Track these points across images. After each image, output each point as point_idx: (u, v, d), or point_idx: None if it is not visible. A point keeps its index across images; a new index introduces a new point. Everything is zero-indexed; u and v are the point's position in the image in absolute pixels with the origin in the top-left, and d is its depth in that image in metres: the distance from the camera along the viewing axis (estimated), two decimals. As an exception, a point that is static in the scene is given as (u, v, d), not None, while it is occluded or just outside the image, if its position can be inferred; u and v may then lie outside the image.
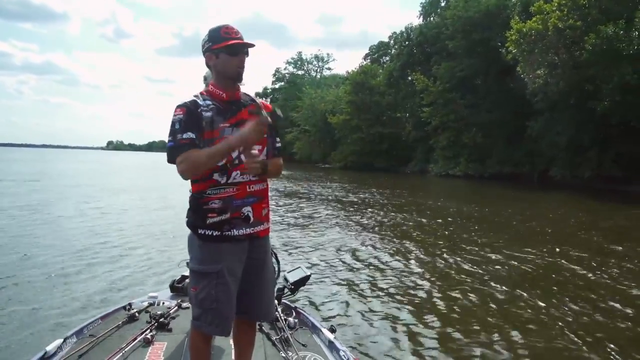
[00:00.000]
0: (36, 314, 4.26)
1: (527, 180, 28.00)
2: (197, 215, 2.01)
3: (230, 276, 2.01)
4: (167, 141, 1.94)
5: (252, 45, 2.04)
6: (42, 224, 9.09)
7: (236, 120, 2.01)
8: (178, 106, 1.96)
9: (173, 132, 1.92)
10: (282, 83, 79.57)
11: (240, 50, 2.01)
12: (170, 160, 1.92)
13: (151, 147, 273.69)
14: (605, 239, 8.94)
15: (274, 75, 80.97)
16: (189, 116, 1.92)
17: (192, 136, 1.89)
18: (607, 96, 19.71)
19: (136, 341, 2.83)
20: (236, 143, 1.90)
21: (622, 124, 20.56)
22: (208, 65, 2.06)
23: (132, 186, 20.25)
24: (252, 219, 2.05)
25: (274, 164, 2.12)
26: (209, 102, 1.99)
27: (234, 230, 2.00)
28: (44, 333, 3.76)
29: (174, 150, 1.89)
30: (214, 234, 1.98)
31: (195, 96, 2.01)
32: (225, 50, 1.98)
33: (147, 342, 2.85)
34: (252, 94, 2.24)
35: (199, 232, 2.00)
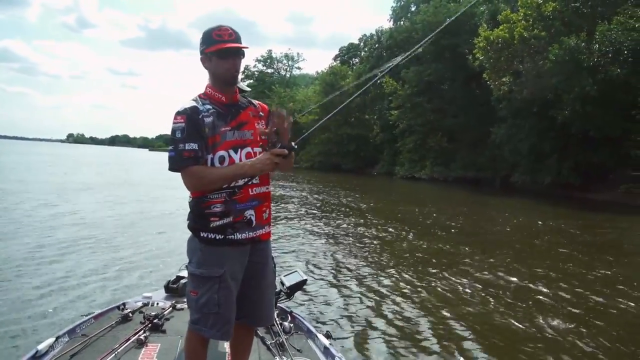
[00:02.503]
0: (28, 313, 4.15)
1: (489, 184, 28.63)
2: (199, 219, 1.97)
3: (232, 280, 1.98)
4: (168, 149, 1.91)
5: (245, 48, 1.99)
6: (31, 222, 8.71)
7: (237, 123, 1.99)
8: (178, 113, 1.90)
9: (174, 141, 1.88)
10: (251, 81, 78.72)
11: (232, 53, 1.95)
12: (172, 170, 1.91)
13: (114, 141, 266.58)
14: (567, 246, 9.14)
15: (243, 72, 79.99)
16: (190, 125, 1.88)
17: (194, 147, 1.87)
18: (568, 106, 20.32)
19: (129, 342, 2.78)
20: (249, 172, 1.90)
21: (581, 133, 21.25)
22: (205, 67, 2.01)
23: (114, 182, 19.67)
24: (254, 222, 2.01)
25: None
26: (208, 107, 1.95)
27: (237, 234, 1.96)
28: (35, 332, 3.73)
29: (176, 161, 1.88)
30: (217, 238, 1.94)
31: (194, 100, 1.96)
32: (216, 54, 1.94)
33: (141, 343, 2.80)
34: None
35: (202, 235, 1.96)
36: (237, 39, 1.96)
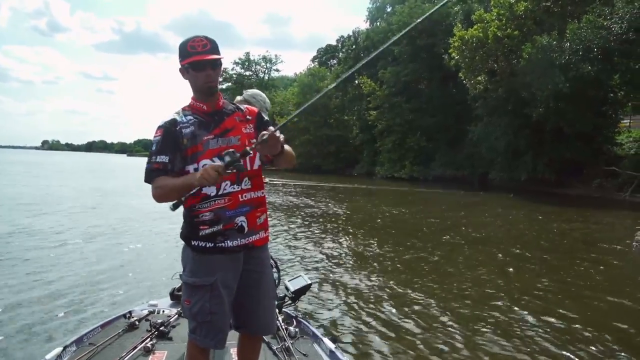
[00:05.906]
0: (35, 322, 4.14)
1: (468, 182, 29.00)
2: (189, 227, 2.00)
3: (224, 288, 1.97)
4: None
5: (219, 58, 1.96)
6: (34, 233, 8.50)
7: (220, 131, 1.99)
8: (158, 127, 1.96)
9: (150, 154, 1.95)
10: (230, 83, 78.08)
11: (206, 65, 1.94)
12: (146, 181, 1.95)
13: (91, 147, 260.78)
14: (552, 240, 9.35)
15: (221, 75, 79.10)
16: (165, 137, 1.92)
17: (164, 160, 1.90)
18: (542, 103, 20.74)
19: (136, 350, 2.79)
20: (195, 183, 1.80)
21: (554, 130, 21.69)
22: (185, 79, 2.04)
23: (108, 190, 19.31)
24: (246, 228, 2.00)
25: (287, 150, 2.04)
26: (190, 117, 1.97)
27: (228, 242, 1.96)
28: (43, 341, 3.72)
29: (147, 172, 1.93)
30: (207, 246, 1.95)
31: (177, 113, 1.99)
32: (191, 66, 1.95)
33: (147, 351, 2.81)
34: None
35: (192, 244, 1.98)
36: (212, 48, 1.95)
